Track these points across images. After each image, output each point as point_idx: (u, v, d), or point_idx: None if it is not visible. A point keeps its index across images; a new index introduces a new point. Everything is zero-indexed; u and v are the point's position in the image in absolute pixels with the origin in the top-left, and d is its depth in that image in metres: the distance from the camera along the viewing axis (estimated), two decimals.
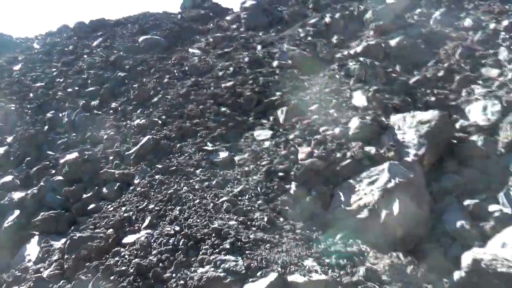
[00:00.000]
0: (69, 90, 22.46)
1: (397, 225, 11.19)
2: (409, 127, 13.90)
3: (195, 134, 16.31)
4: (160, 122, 17.36)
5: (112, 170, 14.65)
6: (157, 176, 13.36)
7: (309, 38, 24.53)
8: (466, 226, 11.28)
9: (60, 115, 20.15)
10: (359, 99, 16.85)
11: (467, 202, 11.97)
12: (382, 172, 12.32)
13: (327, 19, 25.92)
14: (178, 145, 15.53)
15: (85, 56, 27.16)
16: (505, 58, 18.17)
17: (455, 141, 13.76)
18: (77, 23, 34.65)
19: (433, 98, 16.27)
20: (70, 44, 30.25)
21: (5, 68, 27.92)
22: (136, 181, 13.78)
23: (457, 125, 14.51)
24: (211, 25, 31.05)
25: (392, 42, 21.22)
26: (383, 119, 14.95)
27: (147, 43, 27.27)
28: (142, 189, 12.79)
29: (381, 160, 12.97)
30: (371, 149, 13.46)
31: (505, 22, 20.62)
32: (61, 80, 24.08)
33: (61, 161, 15.72)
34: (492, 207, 11.59)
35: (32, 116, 20.56)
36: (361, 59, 19.56)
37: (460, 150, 13.52)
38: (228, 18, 32.58)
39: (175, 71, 22.71)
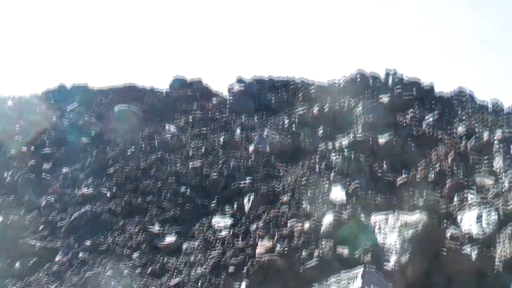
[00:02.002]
0: (24, 149, 20.41)
1: None
2: (392, 229, 11.99)
3: (145, 212, 14.26)
4: (108, 194, 15.36)
5: (33, 242, 12.32)
6: (81, 254, 11.14)
7: (293, 127, 22.95)
8: None
9: (5, 174, 17.95)
10: (337, 193, 15.06)
11: None
12: (354, 278, 10.42)
13: (315, 111, 24.44)
14: (121, 222, 13.55)
15: (54, 118, 25.29)
16: (500, 167, 16.94)
17: (444, 252, 11.66)
18: (58, 85, 33.03)
19: (421, 201, 14.34)
20: (43, 104, 28.45)
21: None
22: (57, 258, 11.48)
23: (448, 234, 12.48)
24: (195, 105, 29.53)
25: (381, 140, 19.68)
26: (363, 217, 12.98)
27: (121, 113, 25.51)
28: (59, 268, 10.52)
29: (354, 264, 11.10)
30: (344, 250, 11.55)
31: (499, 133, 19.59)
32: (19, 138, 22.07)
33: None
34: None
35: None
36: (346, 152, 17.83)
37: (450, 263, 11.52)
38: (214, 100, 31.16)
39: (143, 144, 20.89)
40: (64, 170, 18.19)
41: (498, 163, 17.19)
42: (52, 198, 15.45)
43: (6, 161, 19.42)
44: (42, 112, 27.00)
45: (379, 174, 17.06)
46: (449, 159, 17.83)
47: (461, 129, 21.24)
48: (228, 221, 13.98)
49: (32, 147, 20.88)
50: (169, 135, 22.36)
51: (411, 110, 24.13)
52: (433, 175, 16.72)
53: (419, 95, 26.36)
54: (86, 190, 15.74)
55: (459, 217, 13.24)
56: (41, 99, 30.80)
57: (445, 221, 13.20)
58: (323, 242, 11.86)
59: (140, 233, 12.91)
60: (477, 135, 20.17)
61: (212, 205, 15.33)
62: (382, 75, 30.05)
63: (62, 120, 24.84)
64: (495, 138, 19.27)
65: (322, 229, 12.47)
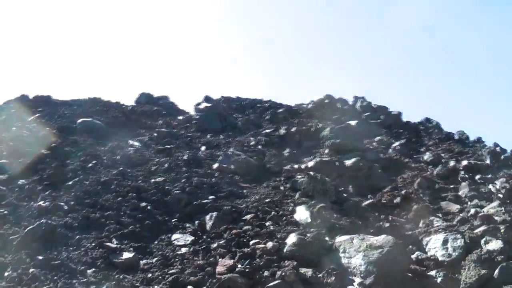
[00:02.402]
0: None
1: None
2: (356, 250, 11.64)
3: (102, 227, 13.64)
4: (66, 207, 14.66)
5: None
6: (31, 270, 10.51)
7: (259, 147, 22.68)
8: None
9: None
10: (302, 214, 14.72)
11: None
12: None
13: (282, 131, 24.28)
14: (77, 237, 12.88)
15: (13, 128, 24.47)
16: (465, 194, 16.86)
17: (410, 275, 11.36)
18: (20, 95, 32.15)
19: (387, 224, 14.13)
20: (3, 114, 27.58)
21: None
22: (6, 273, 10.78)
23: (413, 257, 12.20)
24: (160, 121, 29.06)
25: (347, 162, 19.57)
26: (327, 238, 12.66)
27: (84, 126, 24.89)
28: (7, 284, 9.89)
29: (318, 286, 10.75)
30: (308, 271, 11.10)
31: (465, 162, 19.75)
32: None
33: None
34: None
35: None
36: (311, 173, 17.55)
37: (415, 286, 11.11)
38: (180, 117, 30.74)
39: (105, 158, 20.28)
40: (21, 181, 17.44)
41: (463, 190, 17.14)
42: (6, 211, 14.63)
43: None
44: (1, 122, 26.19)
45: (345, 196, 16.82)
46: (415, 185, 17.75)
47: (427, 156, 21.28)
48: (188, 238, 13.43)
49: None
50: (132, 150, 21.81)
51: (378, 135, 24.17)
52: (399, 199, 16.55)
53: (387, 122, 26.52)
54: (43, 203, 14.98)
55: (424, 242, 12.94)
56: (1, 109, 29.94)
57: (410, 245, 12.88)
58: (286, 263, 11.42)
59: (97, 249, 12.24)
60: (443, 162, 20.17)
61: (173, 222, 14.77)
62: (350, 100, 30.26)
63: (21, 130, 24.04)
64: (461, 166, 19.31)
65: (286, 249, 12.04)
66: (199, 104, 31.45)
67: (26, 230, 12.65)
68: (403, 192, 17.07)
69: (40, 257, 11.29)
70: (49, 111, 28.60)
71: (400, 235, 13.08)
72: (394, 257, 11.36)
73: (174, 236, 13.65)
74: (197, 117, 29.31)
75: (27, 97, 31.86)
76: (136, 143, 23.54)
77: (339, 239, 12.50)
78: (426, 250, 12.59)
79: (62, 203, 15.01)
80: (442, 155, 21.61)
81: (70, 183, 17.09)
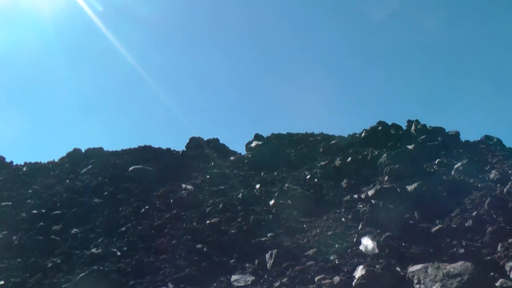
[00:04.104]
0: (34, 211, 19.46)
1: None
2: (433, 281, 10.60)
3: (157, 271, 13.06)
4: (119, 253, 14.22)
5: None
6: None
7: (315, 180, 21.83)
8: None
9: (14, 237, 16.93)
10: (368, 245, 13.74)
11: None
12: None
13: (337, 162, 23.34)
14: (131, 282, 12.41)
15: (67, 181, 24.52)
16: None
17: None
18: (72, 150, 32.56)
19: (461, 250, 12.96)
20: (58, 169, 27.80)
21: None
22: None
23: (497, 285, 10.98)
24: (212, 164, 28.68)
25: (410, 188, 18.43)
26: (398, 269, 11.61)
27: (136, 173, 24.74)
28: None
29: None
30: None
31: None
32: (31, 201, 21.20)
33: None
34: None
35: None
36: (373, 202, 16.61)
37: None
38: (232, 158, 30.35)
39: (158, 202, 19.92)
40: (74, 230, 17.17)
41: None
42: (59, 260, 14.33)
43: (16, 224, 18.45)
44: (55, 176, 26.37)
45: (411, 223, 15.71)
46: (486, 205, 16.50)
47: (493, 174, 19.95)
48: (249, 278, 12.72)
49: (43, 209, 19.95)
50: (185, 193, 21.36)
51: (437, 157, 23.00)
52: (470, 222, 15.32)
53: (445, 143, 25.29)
54: (95, 250, 14.64)
55: (507, 267, 11.71)
56: (56, 164, 30.29)
57: (491, 272, 11.62)
58: None
59: None
60: None
61: (231, 262, 14.09)
62: (404, 125, 29.18)
63: (75, 182, 24.06)
64: None
65: (354, 283, 11.11)
66: (250, 143, 31.02)
67: (78, 278, 12.23)
68: (473, 214, 15.84)
69: None
70: (101, 161, 28.66)
71: (478, 261, 11.92)
72: (475, 286, 10.23)
73: (234, 277, 12.95)
74: (249, 156, 28.85)
75: (79, 151, 32.24)
76: (189, 186, 23.13)
77: (411, 268, 11.49)
78: (511, 276, 11.34)
79: (115, 249, 14.61)
80: (510, 172, 20.30)
81: (123, 229, 16.76)
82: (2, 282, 12.46)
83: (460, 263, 11.00)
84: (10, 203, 21.20)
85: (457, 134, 26.51)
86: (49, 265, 14.19)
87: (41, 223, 17.93)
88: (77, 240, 16.33)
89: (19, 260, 15.27)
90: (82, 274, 12.32)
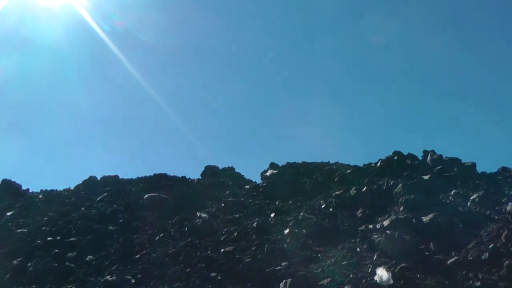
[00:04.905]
0: (49, 238, 19.61)
1: None
2: None
3: None
4: (133, 281, 14.28)
5: None
6: None
7: (330, 209, 21.77)
8: None
9: (29, 264, 17.05)
10: (382, 275, 13.61)
11: None
12: None
13: (353, 192, 23.27)
14: None
15: (82, 208, 24.70)
16: None
17: None
18: (88, 178, 32.85)
19: (478, 283, 12.79)
20: (73, 196, 28.02)
21: None
22: None
23: None
24: (227, 192, 28.78)
25: (425, 219, 18.25)
26: None
27: (151, 201, 24.90)
28: None
29: None
30: None
31: None
32: (46, 228, 21.37)
33: None
34: None
35: None
36: (388, 232, 16.51)
37: None
38: (246, 186, 30.41)
39: (172, 230, 20.02)
40: (89, 258, 17.27)
41: None
42: (73, 287, 14.43)
43: (31, 251, 18.62)
44: (71, 204, 26.58)
45: (427, 255, 15.56)
46: (503, 238, 16.30)
47: (510, 207, 19.70)
48: None
49: (58, 236, 20.10)
50: (200, 221, 21.42)
51: (453, 188, 22.82)
52: (487, 255, 15.12)
53: (461, 174, 25.12)
54: (110, 277, 14.73)
55: None
56: (71, 191, 30.54)
57: None
58: None
59: None
60: None
61: None
62: (419, 155, 29.09)
63: (90, 209, 24.25)
64: None
65: None
66: (265, 171, 31.09)
67: None
68: (490, 246, 15.64)
69: None
70: (116, 189, 28.89)
71: None
72: None
73: None
74: (264, 184, 28.91)
75: (95, 179, 32.56)
76: (204, 215, 23.20)
77: None
78: None
79: (129, 277, 14.67)
80: None
81: (138, 256, 16.84)
82: None
83: None
84: (25, 230, 21.41)
85: (473, 165, 26.34)
86: None
87: (56, 250, 18.06)
88: (91, 267, 16.44)
89: (34, 286, 15.40)
90: None
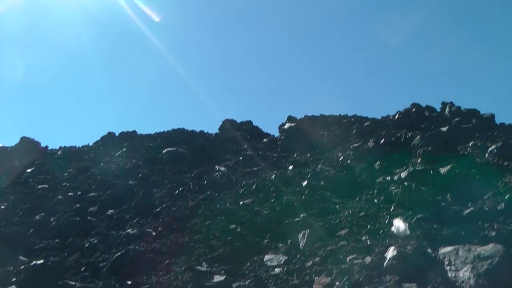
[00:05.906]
0: (70, 194, 19.94)
1: None
2: (463, 262, 10.50)
3: (192, 251, 13.31)
4: (154, 233, 14.54)
5: (73, 283, 11.48)
6: None
7: (348, 162, 21.80)
8: None
9: (51, 219, 17.40)
10: (399, 226, 13.64)
11: None
12: None
13: (370, 144, 23.23)
14: (166, 261, 12.60)
15: (102, 163, 25.01)
16: None
17: None
18: (107, 133, 33.12)
19: (493, 233, 12.76)
20: (92, 152, 28.34)
21: (19, 169, 25.89)
22: None
23: None
24: (245, 145, 28.87)
25: (442, 170, 18.20)
26: (429, 250, 11.57)
27: (170, 155, 25.13)
28: None
29: None
30: (412, 286, 10.07)
31: None
32: (67, 184, 21.71)
33: (22, 267, 12.63)
34: None
35: (21, 217, 17.90)
36: (406, 184, 16.56)
37: None
38: (265, 140, 30.48)
39: (191, 184, 20.25)
40: (110, 212, 17.60)
41: None
42: (96, 240, 14.75)
43: (53, 206, 18.96)
44: (90, 160, 26.88)
45: (443, 206, 15.59)
46: None
47: None
48: (281, 258, 12.83)
49: (79, 192, 20.43)
50: (219, 175, 21.62)
51: (471, 140, 22.64)
52: (503, 205, 15.11)
53: (479, 125, 24.90)
54: (131, 230, 15.01)
55: None
56: (90, 148, 30.82)
57: None
58: (388, 277, 10.53)
59: (187, 272, 11.89)
60: None
61: (265, 242, 14.22)
62: (438, 108, 28.83)
63: (109, 165, 24.52)
64: None
65: (386, 263, 11.14)
66: (283, 125, 31.10)
67: (115, 257, 12.57)
68: (506, 197, 15.62)
69: (129, 282, 11.05)
70: (134, 145, 29.14)
71: (509, 244, 11.76)
72: (507, 268, 10.17)
73: (267, 257, 13.07)
74: (282, 137, 28.98)
75: (113, 134, 32.79)
76: (223, 168, 23.37)
77: (442, 250, 11.42)
78: None
79: (150, 230, 14.93)
80: None
81: (158, 210, 17.12)
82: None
83: (491, 245, 10.90)
84: (46, 186, 21.76)
85: (492, 116, 26.09)
86: (86, 245, 14.57)
87: (78, 205, 18.37)
88: (112, 221, 16.77)
89: (57, 240, 15.73)
90: (119, 254, 12.64)
